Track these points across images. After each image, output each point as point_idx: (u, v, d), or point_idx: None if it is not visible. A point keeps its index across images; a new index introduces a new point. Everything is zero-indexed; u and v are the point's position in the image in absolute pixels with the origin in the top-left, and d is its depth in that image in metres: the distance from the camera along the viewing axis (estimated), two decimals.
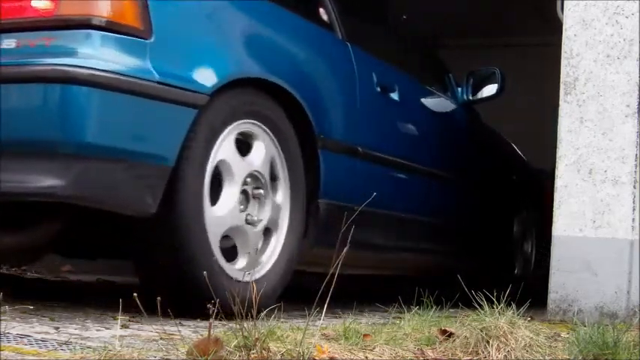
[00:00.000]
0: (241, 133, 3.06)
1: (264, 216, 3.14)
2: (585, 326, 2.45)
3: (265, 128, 3.14)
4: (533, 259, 5.87)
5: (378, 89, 4.01)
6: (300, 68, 3.44)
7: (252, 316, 1.97)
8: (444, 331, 2.42)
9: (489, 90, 5.17)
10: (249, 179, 3.09)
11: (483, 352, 2.24)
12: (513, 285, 4.95)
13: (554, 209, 3.93)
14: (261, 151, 3.14)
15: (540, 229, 5.73)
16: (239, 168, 3.02)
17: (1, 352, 1.87)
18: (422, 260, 4.75)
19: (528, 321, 2.44)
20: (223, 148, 2.94)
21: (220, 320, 2.02)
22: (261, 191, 3.13)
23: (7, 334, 2.15)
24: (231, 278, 2.89)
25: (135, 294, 1.89)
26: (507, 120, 9.00)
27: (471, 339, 2.28)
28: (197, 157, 2.82)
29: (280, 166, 3.23)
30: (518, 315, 2.34)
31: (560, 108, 3.95)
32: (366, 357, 2.11)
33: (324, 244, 3.45)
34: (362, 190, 3.58)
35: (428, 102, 4.76)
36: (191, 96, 2.77)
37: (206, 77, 2.85)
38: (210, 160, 2.89)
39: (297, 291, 3.29)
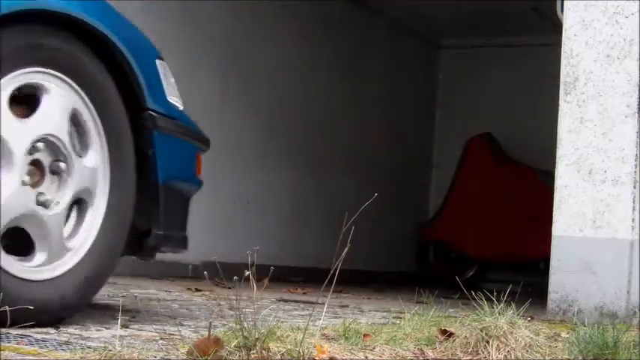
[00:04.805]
0: None
1: None
2: (585, 326, 2.45)
3: None
4: (87, 248, 2.53)
5: None
6: None
7: None
8: (444, 331, 2.42)
9: None
10: None
11: (483, 352, 2.24)
12: None
13: (554, 209, 3.93)
14: None
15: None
16: None
17: (1, 352, 1.87)
18: None
19: (528, 321, 2.44)
20: None
21: None
22: None
23: (7, 334, 2.15)
24: None
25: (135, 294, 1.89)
26: (507, 120, 9.03)
27: (470, 339, 2.28)
28: None
29: None
30: (518, 315, 2.34)
31: (560, 108, 3.95)
32: (366, 357, 2.11)
33: None
34: None
35: None
36: None
37: None
38: None
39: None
